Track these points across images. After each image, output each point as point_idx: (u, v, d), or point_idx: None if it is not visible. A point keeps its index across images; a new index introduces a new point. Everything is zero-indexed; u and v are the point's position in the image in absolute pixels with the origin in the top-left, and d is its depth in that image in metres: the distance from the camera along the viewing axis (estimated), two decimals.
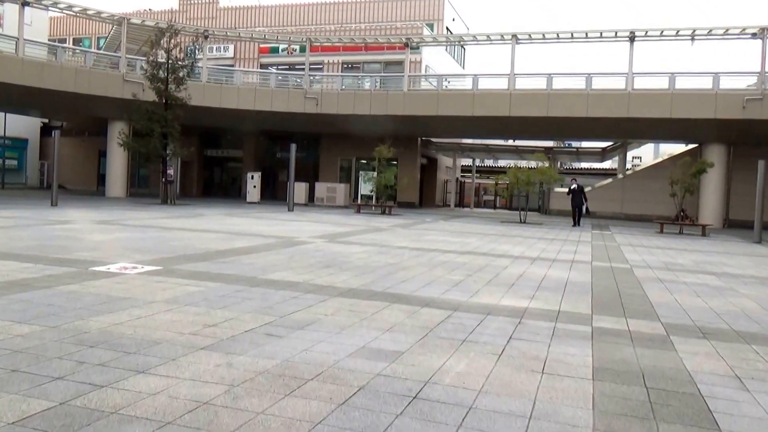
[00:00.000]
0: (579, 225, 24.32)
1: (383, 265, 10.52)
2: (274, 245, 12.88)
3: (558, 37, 30.40)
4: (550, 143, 40.40)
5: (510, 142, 42.99)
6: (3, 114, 40.21)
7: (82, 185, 43.43)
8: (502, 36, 31.08)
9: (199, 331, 5.55)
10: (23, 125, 41.83)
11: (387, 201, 29.38)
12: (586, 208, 25.12)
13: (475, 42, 32.43)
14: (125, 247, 11.25)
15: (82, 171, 44.52)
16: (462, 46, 45.81)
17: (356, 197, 34.77)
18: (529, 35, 30.64)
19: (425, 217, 28.09)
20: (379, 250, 12.87)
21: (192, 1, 44.98)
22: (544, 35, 30.48)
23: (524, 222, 25.72)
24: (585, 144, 43.02)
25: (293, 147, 27.64)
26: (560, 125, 31.17)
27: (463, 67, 45.63)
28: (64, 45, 34.63)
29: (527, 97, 29.46)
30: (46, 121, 44.31)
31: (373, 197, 30.99)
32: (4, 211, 19.92)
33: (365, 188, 31.12)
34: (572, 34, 30.07)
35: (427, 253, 12.72)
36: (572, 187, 24.57)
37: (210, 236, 14.18)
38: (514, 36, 30.41)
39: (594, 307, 7.66)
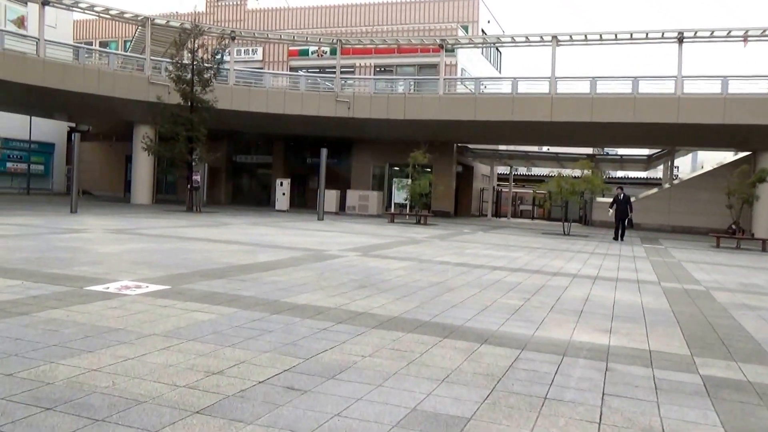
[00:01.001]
0: (621, 239, 22.21)
1: (426, 284, 9.14)
2: (301, 259, 11.56)
3: (601, 39, 28.82)
4: (590, 151, 38.61)
5: (546, 149, 41.38)
6: (28, 118, 39.56)
7: (108, 191, 42.70)
8: (541, 37, 29.58)
9: (199, 381, 4.22)
10: (50, 130, 41.20)
11: (422, 210, 27.98)
12: (629, 220, 22.99)
13: (513, 44, 30.97)
14: (134, 261, 10.00)
15: (109, 177, 43.79)
16: (498, 50, 44.30)
17: (389, 206, 33.42)
18: (570, 36, 29.10)
19: (462, 227, 26.65)
20: (418, 265, 11.49)
21: (219, 3, 44.08)
22: (586, 36, 28.93)
23: (568, 234, 24.15)
24: (628, 152, 41.14)
25: (324, 152, 26.36)
26: (604, 131, 29.57)
27: (500, 72, 44.11)
28: (86, 46, 33.79)
29: (569, 101, 27.94)
30: (73, 125, 43.63)
31: (407, 206, 29.59)
32: (17, 218, 18.92)
33: (399, 196, 29.71)
34: (616, 36, 28.50)
35: (472, 270, 11.30)
36: (619, 197, 22.60)
37: (232, 248, 12.92)
38: (555, 37, 28.90)
39: (690, 346, 6.20)
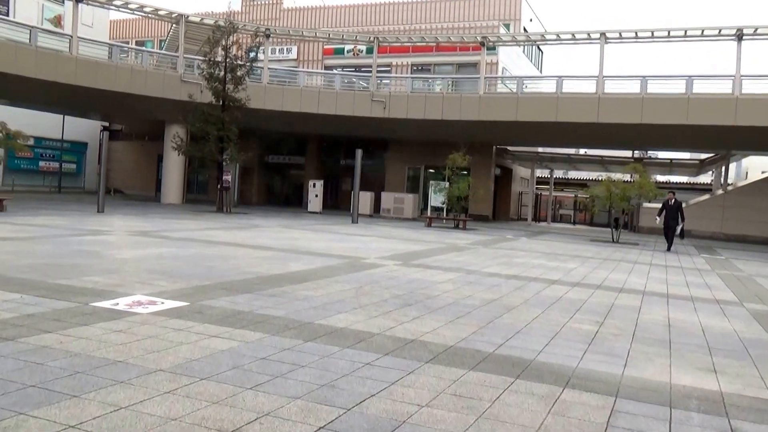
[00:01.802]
0: (669, 249, 20.34)
1: (480, 302, 8.00)
2: (337, 268, 10.50)
3: (652, 36, 27.35)
4: (637, 154, 36.97)
5: (584, 152, 39.85)
6: (61, 117, 39.18)
7: (140, 190, 42.16)
8: (588, 35, 28.18)
9: None
10: (83, 129, 40.80)
11: (459, 214, 26.78)
12: (682, 229, 21.01)
13: (558, 41, 29.57)
14: (152, 270, 9.02)
15: (142, 176, 43.25)
16: (539, 49, 42.88)
17: (425, 209, 32.28)
18: (620, 33, 27.65)
19: (504, 232, 25.40)
20: (466, 277, 10.35)
21: (255, 2, 43.34)
22: (636, 33, 27.46)
23: (617, 241, 22.76)
24: (678, 155, 39.30)
25: (359, 153, 25.28)
26: (654, 133, 28.05)
27: (540, 72, 42.67)
28: (119, 44, 33.20)
29: (618, 101, 26.49)
30: (107, 124, 43.21)
31: (444, 209, 28.40)
32: (41, 218, 18.16)
33: (436, 199, 28.48)
34: (669, 33, 27.00)
35: (527, 283, 10.13)
36: (669, 203, 20.69)
37: (262, 255, 11.90)
38: (603, 34, 27.49)
39: None
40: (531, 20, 38.34)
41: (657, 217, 21.15)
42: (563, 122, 27.47)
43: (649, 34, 27.09)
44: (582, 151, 40.69)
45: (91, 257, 10.00)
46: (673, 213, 20.62)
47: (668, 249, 20.12)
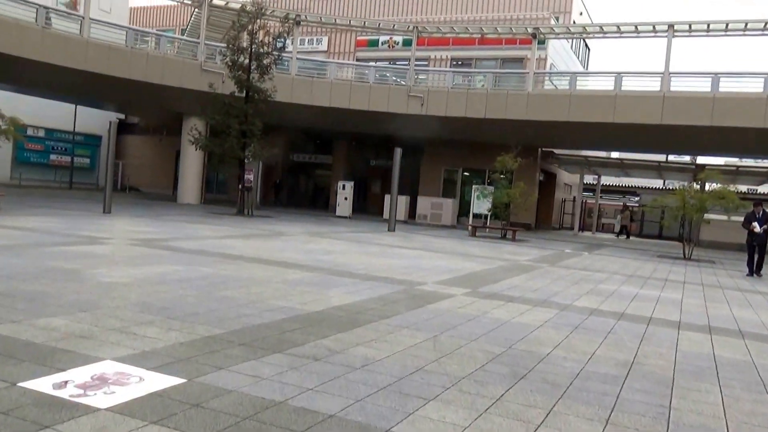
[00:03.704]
0: (758, 273, 16.26)
1: (614, 368, 5.36)
2: (392, 301, 7.89)
3: (727, 29, 24.49)
4: (698, 160, 33.91)
5: (633, 156, 36.81)
6: (73, 107, 36.87)
7: (157, 188, 39.89)
8: (653, 27, 25.36)
9: None
10: (97, 121, 38.39)
11: (505, 221, 24.06)
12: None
13: (618, 34, 26.66)
14: (144, 304, 6.45)
15: (159, 173, 40.98)
16: (587, 46, 39.98)
17: (466, 215, 29.54)
18: (689, 26, 24.80)
19: (556, 244, 22.66)
20: (564, 318, 7.69)
21: None
22: (708, 26, 24.62)
23: (689, 258, 19.90)
24: (746, 162, 36.00)
25: (398, 152, 22.55)
26: (725, 137, 25.17)
27: (586, 69, 39.72)
28: (135, 27, 30.81)
29: (685, 101, 23.67)
30: (123, 117, 40.95)
31: (488, 217, 25.64)
32: (34, 218, 15.78)
33: (480, 206, 25.69)
34: (746, 25, 24.14)
35: (646, 328, 7.45)
36: (757, 215, 17.19)
37: (292, 277, 9.30)
38: (671, 26, 24.67)
39: None
40: (581, 13, 35.43)
41: (757, 228, 17.05)
42: (622, 123, 24.71)
43: (723, 26, 24.23)
44: (633, 156, 37.64)
45: (66, 280, 7.46)
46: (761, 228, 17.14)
47: (758, 273, 16.64)
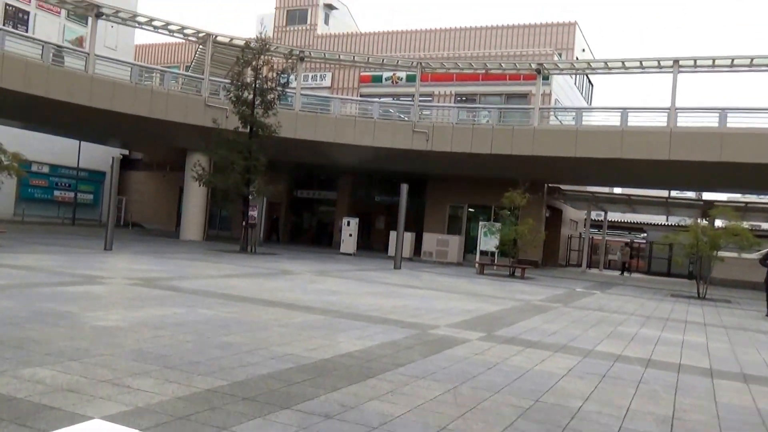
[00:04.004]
0: None
1: (655, 425, 4.93)
2: (405, 346, 7.44)
3: (732, 64, 24.30)
4: (708, 196, 33.48)
5: (640, 192, 36.47)
6: (77, 143, 36.69)
7: (160, 224, 39.54)
8: (658, 62, 25.15)
9: None
10: (101, 157, 38.13)
11: (514, 258, 23.57)
12: None
13: (623, 70, 26.46)
14: (139, 352, 6.00)
15: (162, 209, 40.67)
16: (590, 82, 39.86)
17: (472, 252, 29.10)
18: (694, 61, 24.60)
19: (566, 282, 22.19)
20: (590, 366, 7.22)
21: (287, 29, 40.92)
22: (713, 62, 24.43)
23: (704, 297, 19.39)
24: (749, 197, 35.56)
25: (404, 188, 22.17)
26: (735, 173, 24.81)
27: (590, 104, 39.54)
28: (139, 64, 30.69)
29: (692, 136, 23.37)
30: (126, 152, 40.77)
31: (495, 254, 25.15)
32: (33, 255, 15.39)
33: (487, 242, 25.22)
34: (752, 61, 23.92)
35: (679, 377, 6.98)
36: None
37: (298, 320, 8.86)
38: (676, 62, 24.47)
39: None
40: (583, 50, 35.38)
41: (765, 264, 16.64)
42: (629, 159, 24.39)
43: (729, 62, 24.04)
44: (636, 192, 37.34)
45: (58, 325, 7.03)
46: None
47: None
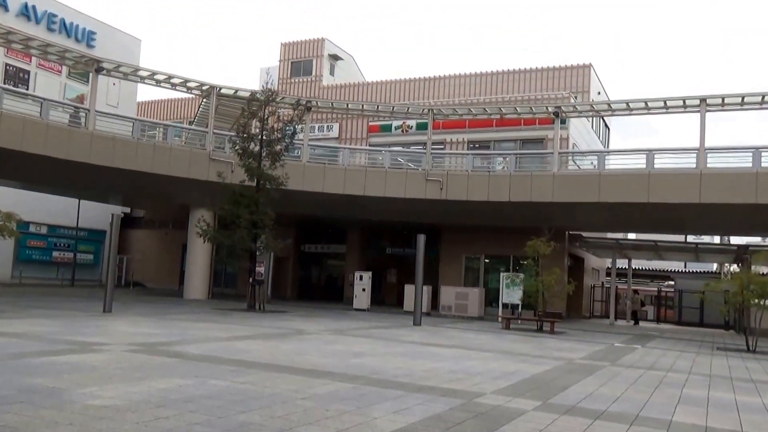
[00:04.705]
0: None
1: None
2: (455, 422, 6.17)
3: (763, 101, 23.28)
4: (740, 241, 32.05)
5: (666, 237, 35.12)
6: (76, 201, 35.66)
7: (163, 283, 38.23)
8: (684, 102, 24.17)
9: None
10: (101, 216, 36.95)
11: (541, 311, 22.14)
12: None
13: (646, 110, 25.49)
14: None
15: (164, 268, 39.41)
16: (606, 126, 38.95)
17: (491, 305, 27.68)
18: (722, 100, 23.64)
19: (600, 336, 20.75)
20: None
21: (292, 80, 40.30)
22: (743, 99, 23.43)
23: (754, 350, 17.88)
24: None
25: (422, 239, 20.87)
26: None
27: (607, 148, 38.55)
28: (140, 119, 29.69)
29: (724, 178, 22.22)
30: (128, 210, 39.73)
31: (520, 307, 23.76)
32: (26, 320, 14.15)
33: (510, 295, 23.87)
34: None
35: None
36: None
37: (321, 391, 7.53)
38: (703, 101, 23.48)
39: None
40: (599, 93, 34.57)
41: None
42: (657, 203, 23.17)
43: (759, 99, 23.03)
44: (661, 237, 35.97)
45: (45, 405, 5.75)
46: None
47: None
